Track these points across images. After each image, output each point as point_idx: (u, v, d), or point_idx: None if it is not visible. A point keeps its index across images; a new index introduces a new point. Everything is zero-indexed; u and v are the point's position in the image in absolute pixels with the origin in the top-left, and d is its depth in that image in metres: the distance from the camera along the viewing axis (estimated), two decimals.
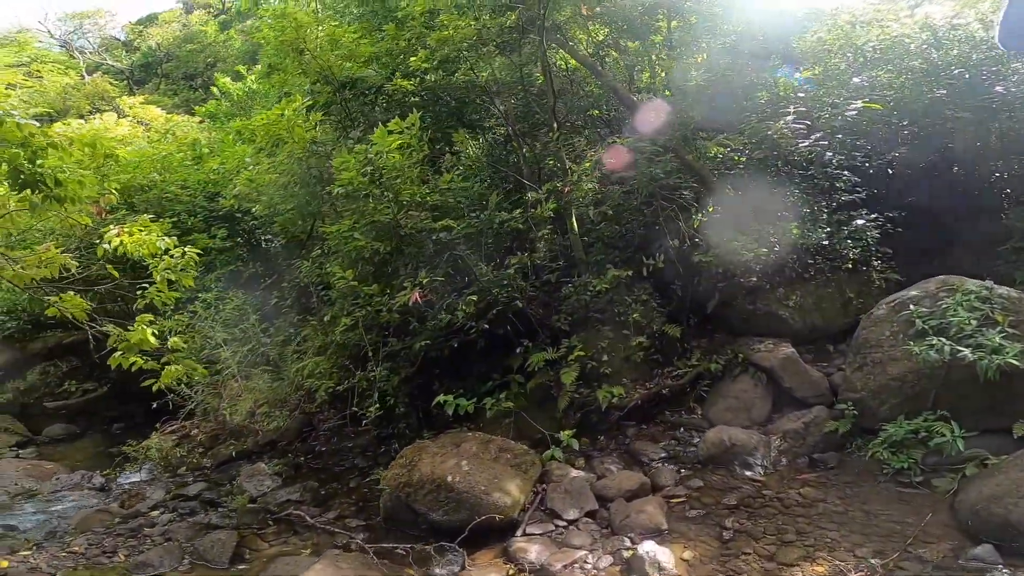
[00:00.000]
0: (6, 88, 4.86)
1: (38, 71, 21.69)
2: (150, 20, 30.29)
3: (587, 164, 7.82)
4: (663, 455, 6.71)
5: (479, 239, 7.01)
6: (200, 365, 5.69)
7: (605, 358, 7.20)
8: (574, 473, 6.01)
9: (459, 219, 6.84)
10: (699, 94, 7.96)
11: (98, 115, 15.59)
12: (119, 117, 15.32)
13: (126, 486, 8.10)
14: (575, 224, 7.90)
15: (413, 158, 6.58)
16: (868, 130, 8.46)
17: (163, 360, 5.45)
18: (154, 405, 9.28)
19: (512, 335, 7.47)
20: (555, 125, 8.40)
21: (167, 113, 19.37)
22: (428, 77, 7.93)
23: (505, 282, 6.96)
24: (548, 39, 8.23)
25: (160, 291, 5.28)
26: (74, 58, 27.09)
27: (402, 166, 6.27)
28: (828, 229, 7.79)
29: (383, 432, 8.26)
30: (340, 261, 6.95)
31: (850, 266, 7.90)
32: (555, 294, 7.81)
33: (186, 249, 5.21)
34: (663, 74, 11.44)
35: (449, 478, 5.37)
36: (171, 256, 5.17)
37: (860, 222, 7.81)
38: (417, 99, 8.54)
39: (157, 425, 9.50)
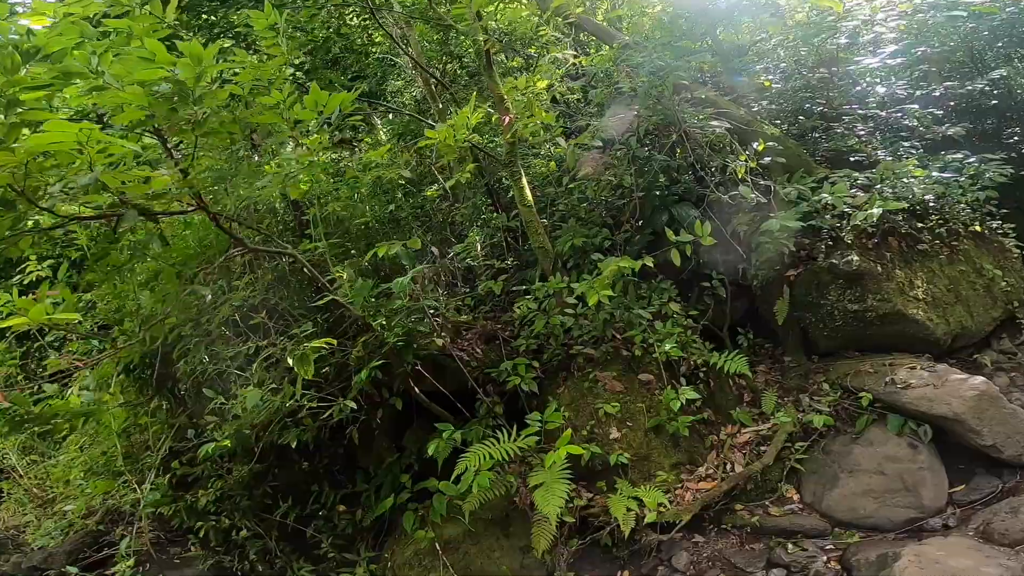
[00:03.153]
0: None
1: None
2: None
3: (537, 79, 4.18)
4: None
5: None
6: None
7: (615, 434, 3.52)
8: None
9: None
10: None
11: None
12: None
13: None
14: (526, 190, 4.21)
15: None
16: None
17: None
18: None
19: (436, 398, 3.68)
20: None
21: None
22: None
23: (398, 303, 3.16)
24: None
25: None
26: None
27: None
28: (935, 175, 4.51)
29: (225, 563, 4.37)
30: None
31: (978, 229, 4.65)
32: (505, 316, 4.09)
33: None
34: None
35: None
36: None
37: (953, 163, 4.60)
38: None
39: None
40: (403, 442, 4.17)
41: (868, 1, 5.21)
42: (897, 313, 3.94)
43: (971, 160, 4.70)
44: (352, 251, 4.41)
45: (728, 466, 3.66)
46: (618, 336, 3.67)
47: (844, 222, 4.17)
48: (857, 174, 4.48)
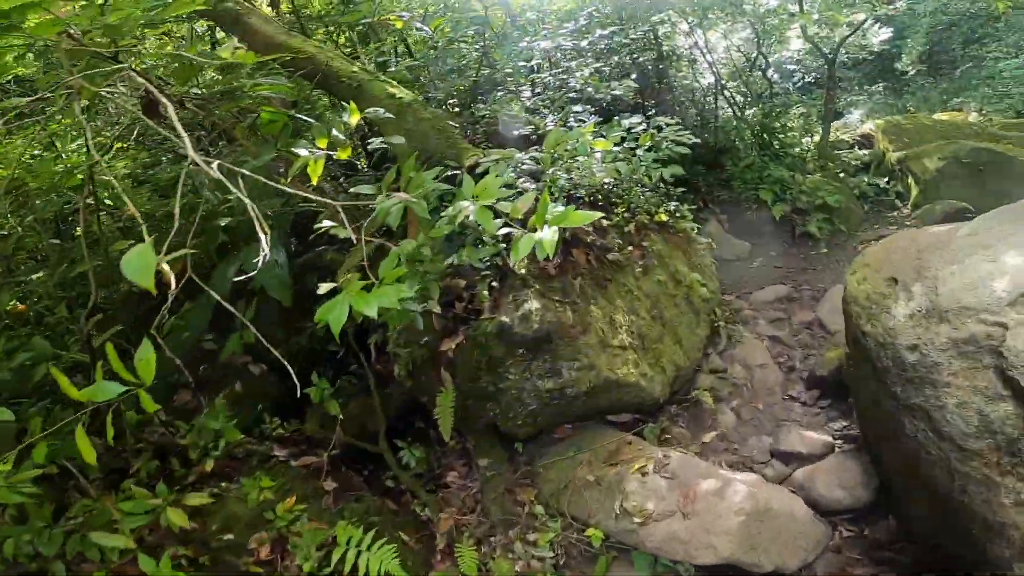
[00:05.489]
0: None
1: None
2: None
3: None
4: None
5: None
6: None
7: None
8: None
9: None
10: None
11: None
12: None
13: None
14: None
15: None
16: None
17: None
18: None
19: None
20: None
21: None
22: None
23: None
24: None
25: None
26: None
27: None
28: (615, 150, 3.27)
29: None
30: None
31: (663, 218, 3.65)
32: None
33: None
34: None
35: None
36: None
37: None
38: None
39: None
40: None
41: None
42: (605, 382, 2.56)
43: (641, 127, 3.57)
44: None
45: None
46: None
47: (506, 245, 2.60)
48: (522, 155, 2.96)
